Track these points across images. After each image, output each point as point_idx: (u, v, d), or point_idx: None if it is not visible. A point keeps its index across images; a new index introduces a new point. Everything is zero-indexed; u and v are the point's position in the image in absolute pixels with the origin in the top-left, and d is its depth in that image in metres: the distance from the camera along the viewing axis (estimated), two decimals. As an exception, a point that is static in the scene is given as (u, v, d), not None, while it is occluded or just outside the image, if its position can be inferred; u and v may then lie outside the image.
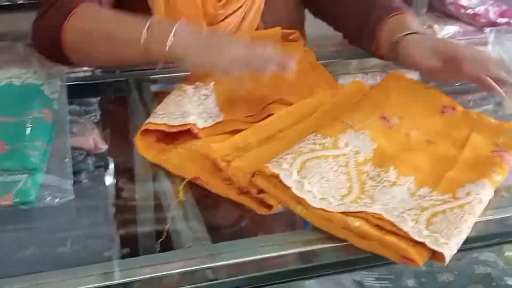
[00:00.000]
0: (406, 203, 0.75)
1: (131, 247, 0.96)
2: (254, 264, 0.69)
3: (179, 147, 0.86)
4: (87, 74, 1.12)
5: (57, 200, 0.77)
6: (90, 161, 1.00)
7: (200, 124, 0.88)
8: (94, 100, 1.06)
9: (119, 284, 0.66)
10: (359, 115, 0.89)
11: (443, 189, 0.78)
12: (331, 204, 0.73)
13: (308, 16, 1.24)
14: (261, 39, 1.09)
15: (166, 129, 0.86)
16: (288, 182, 0.74)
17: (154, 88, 1.04)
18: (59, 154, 0.85)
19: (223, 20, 1.09)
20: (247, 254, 0.69)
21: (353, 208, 0.73)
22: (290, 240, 0.72)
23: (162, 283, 0.67)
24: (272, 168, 0.75)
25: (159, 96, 0.97)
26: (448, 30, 1.43)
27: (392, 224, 0.70)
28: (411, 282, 1.08)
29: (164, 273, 0.67)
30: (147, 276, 0.66)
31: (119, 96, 1.05)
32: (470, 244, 0.73)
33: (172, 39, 0.90)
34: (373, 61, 1.17)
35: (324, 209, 0.73)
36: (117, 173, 1.06)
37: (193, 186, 0.81)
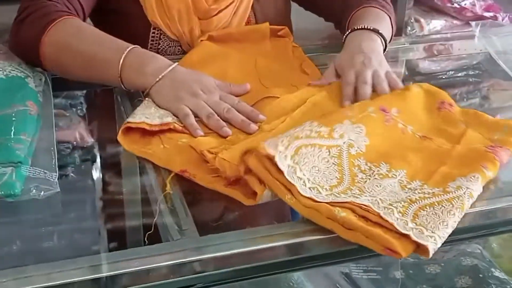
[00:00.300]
0: (396, 195, 0.75)
1: (119, 241, 0.96)
2: (242, 256, 0.69)
3: (165, 140, 0.86)
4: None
5: (42, 193, 0.77)
6: (77, 154, 0.99)
7: (180, 122, 0.89)
8: (80, 93, 1.06)
9: (106, 277, 0.65)
10: (360, 104, 0.90)
11: (434, 183, 0.78)
12: (320, 193, 0.74)
13: (294, 10, 1.24)
14: (249, 35, 1.10)
15: (148, 128, 0.86)
16: (282, 165, 0.73)
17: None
18: (44, 147, 0.85)
19: (215, 14, 1.08)
20: (234, 247, 0.69)
21: (341, 198, 0.73)
22: (278, 232, 0.72)
23: (149, 275, 0.67)
24: (268, 148, 0.74)
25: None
26: (434, 24, 1.43)
27: (378, 215, 0.71)
28: (398, 273, 1.09)
29: (151, 265, 0.67)
30: (135, 268, 0.66)
31: (105, 89, 1.04)
32: (456, 236, 0.73)
33: (145, 77, 0.92)
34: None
35: (313, 198, 0.73)
36: (104, 167, 1.06)
37: (180, 179, 0.80)
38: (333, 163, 0.78)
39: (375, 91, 0.95)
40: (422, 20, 1.43)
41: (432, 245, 0.68)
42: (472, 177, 0.78)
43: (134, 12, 1.07)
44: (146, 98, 0.93)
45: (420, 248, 0.69)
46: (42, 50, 0.95)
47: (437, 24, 1.42)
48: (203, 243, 0.69)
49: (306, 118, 0.86)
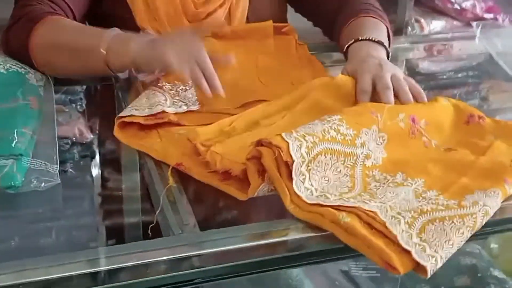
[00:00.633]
0: (408, 204, 0.73)
1: (117, 237, 0.96)
2: (242, 252, 0.69)
3: (163, 133, 0.86)
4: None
5: (43, 184, 0.77)
6: (76, 150, 0.99)
7: (172, 110, 0.89)
8: (80, 89, 1.06)
9: (105, 271, 0.65)
10: (392, 108, 0.86)
11: (451, 194, 0.75)
12: (328, 199, 0.72)
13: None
14: (253, 33, 1.10)
15: (142, 122, 0.86)
16: (294, 174, 0.72)
17: (140, 77, 1.03)
18: (45, 141, 0.85)
19: (205, 18, 1.08)
20: (234, 242, 0.69)
21: (350, 202, 0.72)
22: (278, 229, 0.72)
23: (148, 270, 0.66)
24: (289, 151, 0.72)
25: (145, 85, 0.96)
26: (435, 25, 1.44)
27: (383, 224, 0.69)
28: (397, 272, 1.08)
29: (150, 260, 0.66)
30: (135, 262, 0.66)
31: (105, 85, 1.04)
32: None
33: (128, 48, 0.91)
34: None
35: (320, 203, 0.72)
36: (103, 163, 1.06)
37: (181, 173, 0.80)
38: (346, 174, 0.77)
39: (396, 96, 0.89)
40: (422, 20, 1.43)
41: (432, 266, 0.66)
42: (492, 192, 0.75)
43: (125, 16, 1.06)
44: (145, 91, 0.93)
45: (419, 267, 0.67)
46: (32, 55, 0.96)
47: (437, 24, 1.43)
48: (203, 238, 0.69)
49: (307, 115, 0.86)
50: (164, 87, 0.93)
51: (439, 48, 1.32)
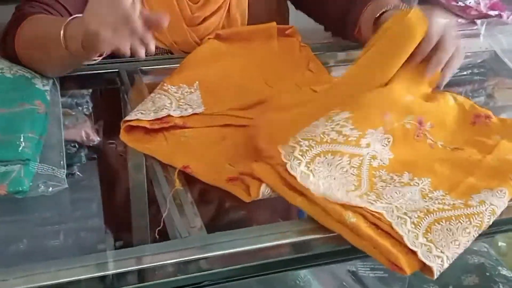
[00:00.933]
0: (414, 204, 0.73)
1: (125, 239, 0.96)
2: (249, 254, 0.69)
3: (169, 136, 0.86)
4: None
5: (50, 189, 0.77)
6: (83, 153, 0.99)
7: (177, 113, 0.89)
8: (86, 92, 1.06)
9: (113, 274, 0.65)
10: (402, 109, 0.85)
11: (458, 194, 0.75)
12: (335, 195, 0.72)
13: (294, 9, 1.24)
14: (257, 35, 1.10)
15: (148, 126, 0.86)
16: (294, 172, 0.72)
17: (146, 79, 1.04)
18: (52, 145, 0.85)
19: (201, 23, 1.08)
20: (242, 244, 0.69)
21: (356, 202, 0.72)
22: (285, 230, 0.72)
23: (156, 273, 0.67)
24: (283, 156, 0.73)
25: (151, 88, 0.97)
26: (439, 23, 1.43)
27: (389, 225, 0.69)
28: (404, 272, 1.08)
29: (158, 263, 0.66)
30: (142, 266, 0.66)
31: (111, 88, 1.04)
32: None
33: (79, 29, 0.85)
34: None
35: (327, 197, 0.71)
36: (110, 166, 1.06)
37: (187, 176, 0.81)
38: (352, 174, 0.76)
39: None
40: (427, 18, 1.42)
41: (438, 267, 0.66)
42: (499, 192, 0.75)
43: None
44: (151, 94, 0.93)
45: (425, 267, 0.67)
46: (20, 56, 0.97)
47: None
48: (210, 240, 0.69)
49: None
50: (169, 90, 0.93)
51: (444, 46, 1.31)
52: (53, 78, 0.99)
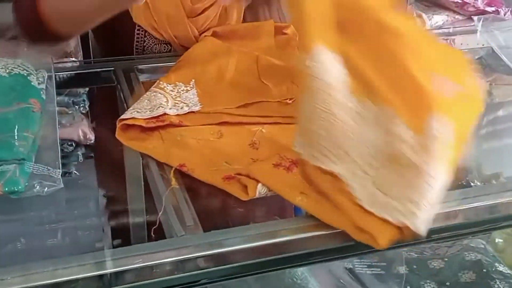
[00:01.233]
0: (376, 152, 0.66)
1: (122, 238, 0.96)
2: (246, 252, 0.69)
3: (165, 135, 0.86)
4: (75, 64, 1.11)
5: (46, 189, 0.77)
6: (80, 152, 1.00)
7: (173, 112, 0.89)
8: (82, 91, 1.06)
9: (111, 273, 0.65)
10: None
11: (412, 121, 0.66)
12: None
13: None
14: (254, 32, 1.10)
15: (144, 124, 0.86)
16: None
17: (142, 78, 1.04)
18: (48, 144, 0.85)
19: (201, 13, 1.08)
20: (238, 242, 0.69)
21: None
22: (281, 228, 0.71)
23: (153, 272, 0.67)
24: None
25: (147, 86, 0.97)
26: (436, 19, 1.43)
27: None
28: (402, 269, 1.09)
29: (155, 262, 0.66)
30: (139, 265, 0.66)
31: (108, 87, 1.04)
32: (460, 231, 0.73)
33: None
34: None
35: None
36: (107, 164, 1.06)
37: (183, 174, 0.80)
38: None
39: None
40: (424, 15, 1.43)
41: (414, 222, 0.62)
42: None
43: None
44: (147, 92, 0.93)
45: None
46: (42, 10, 0.90)
47: (439, 19, 1.42)
48: (207, 239, 0.69)
49: None
50: (165, 88, 0.93)
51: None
52: (50, 76, 0.98)
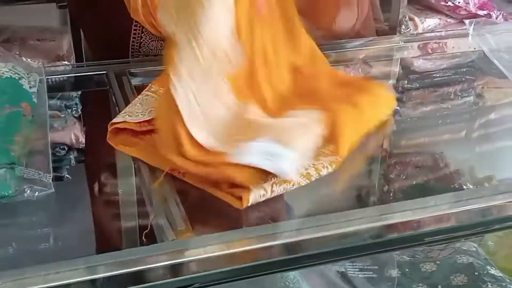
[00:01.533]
0: None
1: (114, 242, 0.96)
2: (238, 256, 0.69)
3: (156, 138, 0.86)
4: (67, 67, 1.11)
5: (36, 194, 0.77)
6: (72, 156, 0.99)
7: None
8: (75, 94, 1.06)
9: (103, 278, 0.65)
10: None
11: None
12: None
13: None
14: None
15: (137, 128, 0.86)
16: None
17: (135, 81, 1.04)
18: (39, 149, 0.84)
19: None
20: (230, 246, 0.69)
21: None
22: (274, 232, 0.72)
23: (145, 276, 0.66)
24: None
25: (139, 90, 0.96)
26: (428, 23, 1.43)
27: None
28: (394, 272, 1.09)
29: (147, 266, 0.66)
30: (131, 269, 0.66)
31: (100, 90, 1.04)
32: (452, 234, 0.74)
33: None
34: (352, 53, 1.18)
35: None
36: (99, 168, 1.05)
37: (175, 179, 0.80)
38: None
39: None
40: (416, 18, 1.43)
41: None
42: None
43: (117, 4, 1.05)
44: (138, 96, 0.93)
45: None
46: None
47: (431, 22, 1.42)
48: (198, 243, 0.69)
49: None
50: (157, 91, 0.93)
51: (433, 46, 1.32)
52: (41, 79, 0.98)
